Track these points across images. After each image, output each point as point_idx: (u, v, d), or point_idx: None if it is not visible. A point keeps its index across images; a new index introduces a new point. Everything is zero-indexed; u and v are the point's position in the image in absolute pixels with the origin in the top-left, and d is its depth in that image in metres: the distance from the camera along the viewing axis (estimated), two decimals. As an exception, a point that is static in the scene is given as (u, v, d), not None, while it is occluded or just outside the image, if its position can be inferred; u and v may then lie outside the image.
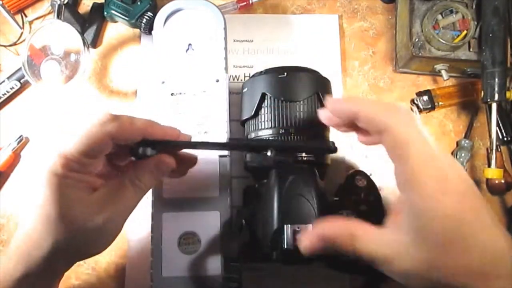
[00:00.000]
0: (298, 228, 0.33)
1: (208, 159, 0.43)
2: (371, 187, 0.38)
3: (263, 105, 0.41)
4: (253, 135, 0.42)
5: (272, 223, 0.34)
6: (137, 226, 0.49)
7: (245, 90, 0.43)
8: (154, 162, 0.34)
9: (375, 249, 0.27)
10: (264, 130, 0.40)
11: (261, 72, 0.43)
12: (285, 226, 0.33)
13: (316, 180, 0.37)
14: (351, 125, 0.31)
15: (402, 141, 0.27)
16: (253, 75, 0.43)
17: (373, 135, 0.29)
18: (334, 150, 0.37)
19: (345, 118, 0.31)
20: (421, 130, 0.27)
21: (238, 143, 0.39)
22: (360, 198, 0.37)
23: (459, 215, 0.25)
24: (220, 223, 0.42)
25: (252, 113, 0.41)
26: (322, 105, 0.40)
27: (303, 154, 0.38)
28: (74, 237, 0.31)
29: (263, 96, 0.41)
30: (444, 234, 0.25)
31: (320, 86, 0.41)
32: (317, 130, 0.40)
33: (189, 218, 0.42)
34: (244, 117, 0.43)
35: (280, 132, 0.39)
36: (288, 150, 0.37)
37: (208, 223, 0.42)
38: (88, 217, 0.31)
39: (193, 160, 0.39)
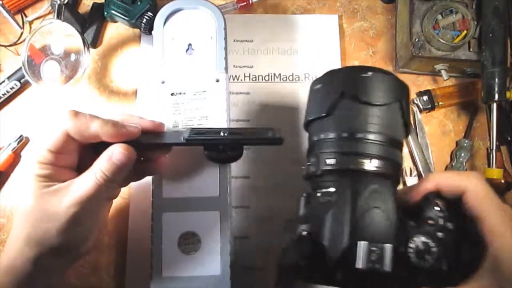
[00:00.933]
0: (375, 248, 0.29)
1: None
2: (450, 212, 0.32)
3: (339, 105, 0.34)
4: (322, 136, 0.35)
5: (342, 238, 0.30)
6: (137, 226, 0.49)
7: (318, 86, 0.36)
8: (110, 150, 0.36)
9: None
10: (337, 133, 0.34)
11: (340, 69, 0.38)
12: (359, 243, 0.29)
13: (395, 194, 0.33)
14: None
15: (482, 197, 0.31)
16: (329, 72, 0.37)
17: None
18: (280, 141, 0.35)
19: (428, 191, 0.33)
20: (491, 189, 0.32)
21: (190, 138, 0.39)
22: (438, 224, 0.31)
23: None
24: (220, 223, 0.42)
25: (325, 112, 0.34)
26: (403, 113, 0.34)
27: (381, 164, 0.33)
28: (47, 224, 0.34)
29: (341, 95, 0.34)
30: None
31: (403, 94, 0.35)
32: (395, 140, 0.34)
33: (189, 218, 0.42)
34: (312, 117, 0.36)
35: (357, 136, 0.33)
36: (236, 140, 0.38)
37: (208, 223, 0.42)
38: (59, 200, 0.34)
39: (159, 128, 0.40)
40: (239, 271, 0.44)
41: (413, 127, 0.53)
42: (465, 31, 0.49)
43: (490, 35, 0.48)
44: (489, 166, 0.50)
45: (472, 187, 0.31)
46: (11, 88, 0.52)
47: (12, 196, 0.50)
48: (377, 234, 0.30)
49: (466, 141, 0.52)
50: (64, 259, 0.37)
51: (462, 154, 0.51)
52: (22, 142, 0.51)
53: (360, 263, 0.28)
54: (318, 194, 0.34)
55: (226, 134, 0.39)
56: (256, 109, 0.53)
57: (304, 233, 0.32)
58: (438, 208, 0.31)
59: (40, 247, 0.34)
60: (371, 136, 0.33)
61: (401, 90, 0.35)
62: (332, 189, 0.33)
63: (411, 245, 0.30)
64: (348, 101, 0.34)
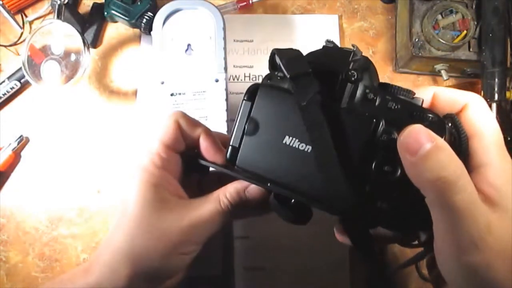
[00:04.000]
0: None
1: None
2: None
3: None
4: None
5: None
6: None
7: None
8: (246, 183, 0.31)
9: None
10: None
11: None
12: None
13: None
14: None
15: (482, 114, 0.28)
16: None
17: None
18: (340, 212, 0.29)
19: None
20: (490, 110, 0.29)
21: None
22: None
23: None
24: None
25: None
26: None
27: None
28: (159, 235, 0.30)
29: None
30: None
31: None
32: None
33: None
34: None
35: None
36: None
37: None
38: (174, 218, 0.30)
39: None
40: (239, 271, 0.44)
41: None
42: (465, 31, 0.49)
43: (490, 35, 0.48)
44: (489, 166, 0.50)
45: (475, 102, 0.28)
46: (11, 88, 0.52)
47: (12, 196, 0.51)
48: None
49: (466, 141, 0.52)
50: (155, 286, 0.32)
51: (462, 154, 0.51)
52: (22, 142, 0.51)
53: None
54: None
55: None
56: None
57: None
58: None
59: (138, 267, 0.29)
60: None
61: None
62: None
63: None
64: None
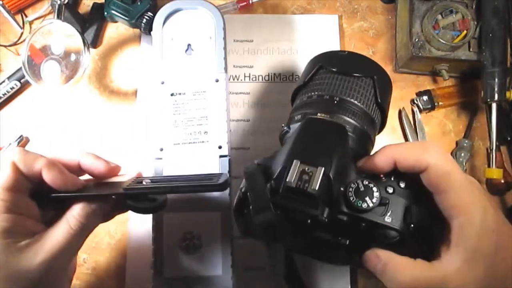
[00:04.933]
0: (309, 169, 0.29)
1: (208, 159, 0.43)
2: (407, 176, 0.32)
3: (316, 75, 0.39)
4: (297, 101, 0.40)
5: (282, 160, 0.31)
6: (137, 226, 0.49)
7: (305, 66, 0.42)
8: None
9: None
10: (309, 96, 0.38)
11: (324, 52, 0.42)
12: (294, 161, 0.30)
13: (346, 142, 0.33)
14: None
15: (444, 173, 0.29)
16: (317, 54, 0.42)
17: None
18: (224, 187, 0.34)
19: (387, 169, 0.31)
20: (454, 160, 0.30)
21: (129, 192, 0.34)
22: (389, 180, 0.32)
23: (501, 227, 0.29)
24: (221, 223, 0.42)
25: (304, 81, 0.39)
26: (375, 91, 0.38)
27: (343, 121, 0.35)
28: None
29: (319, 68, 0.39)
30: (491, 247, 0.28)
31: (378, 75, 0.38)
32: (364, 112, 0.37)
33: (190, 218, 0.42)
34: (296, 86, 0.41)
35: (324, 98, 0.37)
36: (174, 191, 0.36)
37: (209, 223, 0.42)
38: (29, 256, 0.30)
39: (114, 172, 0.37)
40: (239, 271, 0.44)
41: (413, 127, 0.53)
42: (465, 31, 0.49)
43: (490, 35, 0.48)
44: (489, 166, 0.50)
45: (434, 161, 0.29)
46: (11, 88, 0.52)
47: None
48: (316, 161, 0.30)
49: (466, 141, 0.52)
50: None
51: (462, 154, 0.51)
52: (22, 142, 0.51)
53: (291, 178, 0.29)
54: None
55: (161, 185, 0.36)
56: (256, 109, 0.53)
57: (256, 161, 0.34)
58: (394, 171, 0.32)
59: None
60: (337, 98, 0.36)
61: (374, 70, 0.39)
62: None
63: (352, 185, 0.30)
64: (324, 71, 0.39)
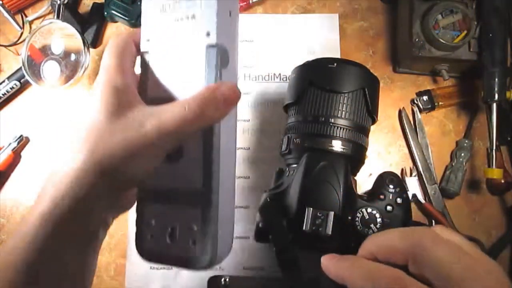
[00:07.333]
0: (320, 214, 0.33)
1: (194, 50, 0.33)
2: (401, 189, 0.37)
3: (307, 92, 0.40)
4: (292, 118, 0.41)
5: (293, 205, 0.35)
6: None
7: (293, 75, 0.43)
8: (217, 85, 0.28)
9: None
10: (305, 117, 0.40)
11: (311, 61, 0.42)
12: (307, 208, 0.34)
13: (347, 172, 0.37)
14: None
15: (436, 263, 0.24)
16: (303, 63, 0.43)
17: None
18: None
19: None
20: (447, 239, 0.25)
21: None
22: (388, 199, 0.37)
23: None
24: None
25: (295, 99, 0.41)
26: (366, 101, 0.40)
27: (340, 144, 0.38)
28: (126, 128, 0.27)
29: (309, 84, 0.40)
30: None
31: (368, 83, 0.40)
32: (357, 125, 0.39)
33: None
34: (286, 102, 0.42)
35: (320, 120, 0.38)
36: None
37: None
38: (134, 125, 0.27)
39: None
40: (239, 271, 0.44)
41: (413, 127, 0.53)
42: (465, 31, 0.49)
43: (490, 35, 0.48)
44: (489, 166, 0.50)
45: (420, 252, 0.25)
46: (11, 88, 0.52)
47: (12, 196, 0.51)
48: (325, 204, 0.34)
49: (466, 141, 0.52)
50: (117, 193, 0.31)
51: (462, 154, 0.51)
52: (22, 142, 0.51)
53: (306, 226, 0.33)
54: (287, 169, 0.40)
55: None
56: (256, 109, 0.53)
57: (268, 199, 0.37)
58: (391, 185, 0.37)
59: (97, 161, 0.27)
60: (332, 120, 0.38)
61: (364, 79, 0.40)
62: (295, 166, 0.39)
63: (358, 215, 0.35)
64: (315, 89, 0.40)
